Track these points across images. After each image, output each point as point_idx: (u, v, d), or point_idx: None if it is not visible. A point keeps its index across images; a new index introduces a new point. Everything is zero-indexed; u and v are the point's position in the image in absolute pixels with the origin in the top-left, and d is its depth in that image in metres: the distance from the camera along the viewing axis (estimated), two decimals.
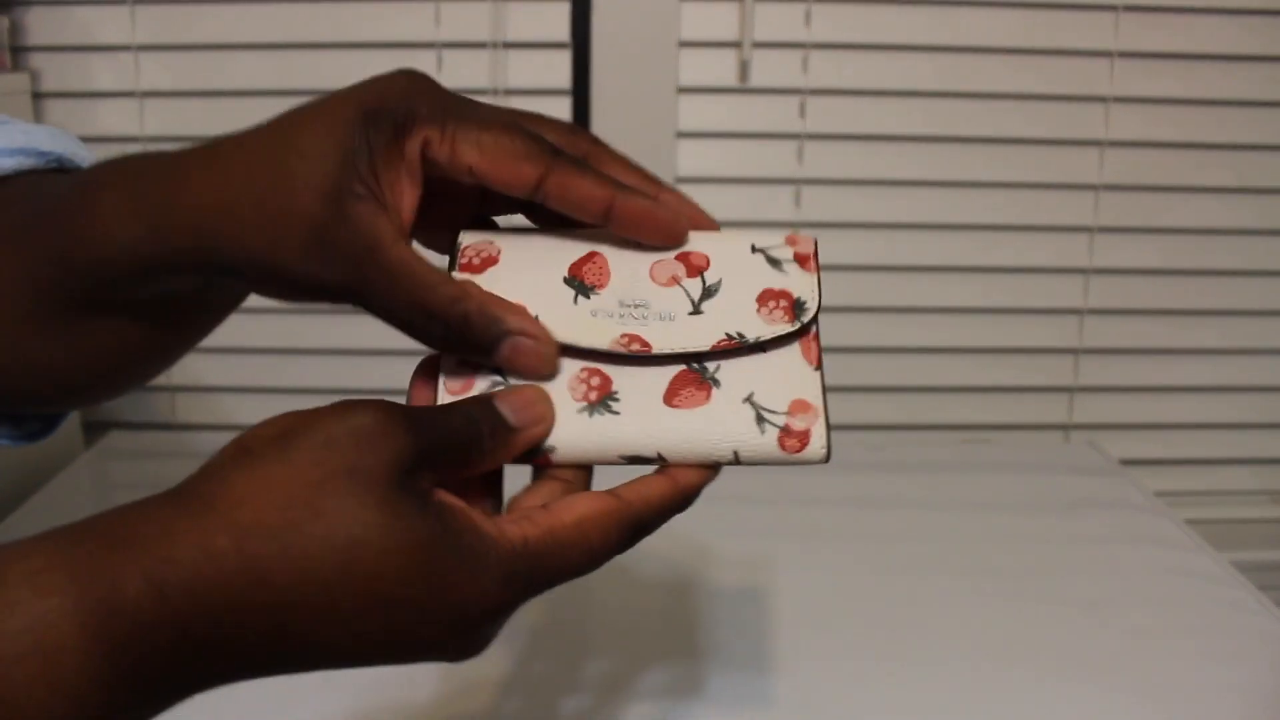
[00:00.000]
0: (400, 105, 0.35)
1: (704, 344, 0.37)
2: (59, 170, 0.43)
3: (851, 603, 0.73)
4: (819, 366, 0.38)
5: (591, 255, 0.39)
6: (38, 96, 0.97)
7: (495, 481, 0.37)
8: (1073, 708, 0.63)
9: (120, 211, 0.36)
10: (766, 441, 0.37)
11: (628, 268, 0.39)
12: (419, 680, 0.63)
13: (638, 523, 0.35)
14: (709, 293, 0.39)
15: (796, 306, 0.39)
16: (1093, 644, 0.69)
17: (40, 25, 0.97)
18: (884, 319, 1.06)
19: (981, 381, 1.09)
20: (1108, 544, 0.82)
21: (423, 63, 0.97)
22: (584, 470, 0.38)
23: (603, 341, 0.37)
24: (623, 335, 0.38)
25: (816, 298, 0.39)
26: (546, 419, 0.36)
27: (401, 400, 0.36)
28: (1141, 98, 1.01)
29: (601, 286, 0.39)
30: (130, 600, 0.28)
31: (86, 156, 0.45)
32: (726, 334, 0.38)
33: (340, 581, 0.30)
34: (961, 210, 1.04)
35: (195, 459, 0.33)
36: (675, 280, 0.39)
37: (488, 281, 0.38)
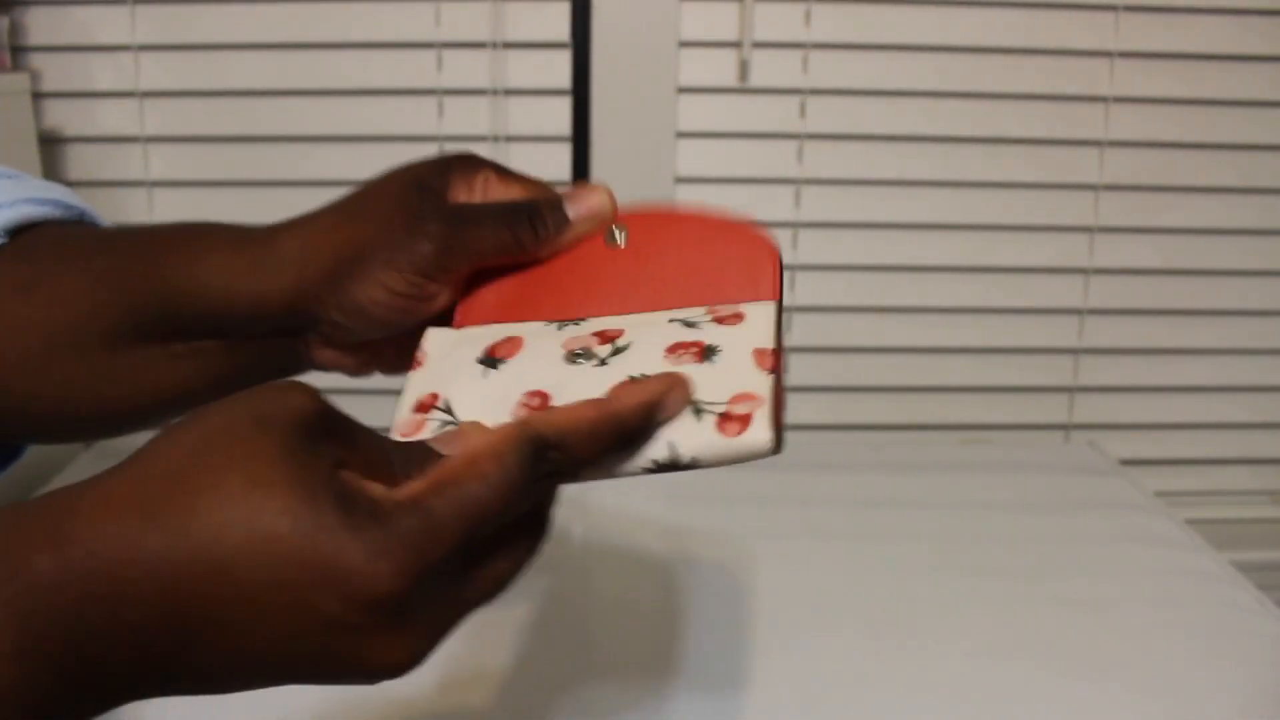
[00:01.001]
0: (468, 155, 0.44)
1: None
2: (80, 221, 0.47)
3: (851, 603, 0.73)
4: (774, 371, 0.36)
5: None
6: (38, 96, 0.98)
7: None
8: (1073, 707, 0.63)
9: (219, 255, 0.42)
10: (704, 428, 0.34)
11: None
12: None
13: (537, 439, 0.32)
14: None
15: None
16: (1093, 644, 0.69)
17: (40, 25, 0.97)
18: (884, 319, 1.06)
19: (981, 381, 1.09)
20: (1108, 544, 0.82)
21: (423, 63, 0.98)
22: None
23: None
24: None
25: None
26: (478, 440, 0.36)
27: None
28: (1141, 98, 1.01)
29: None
30: (32, 558, 0.28)
31: (101, 216, 0.48)
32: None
33: (228, 522, 0.29)
34: (961, 210, 1.04)
35: None
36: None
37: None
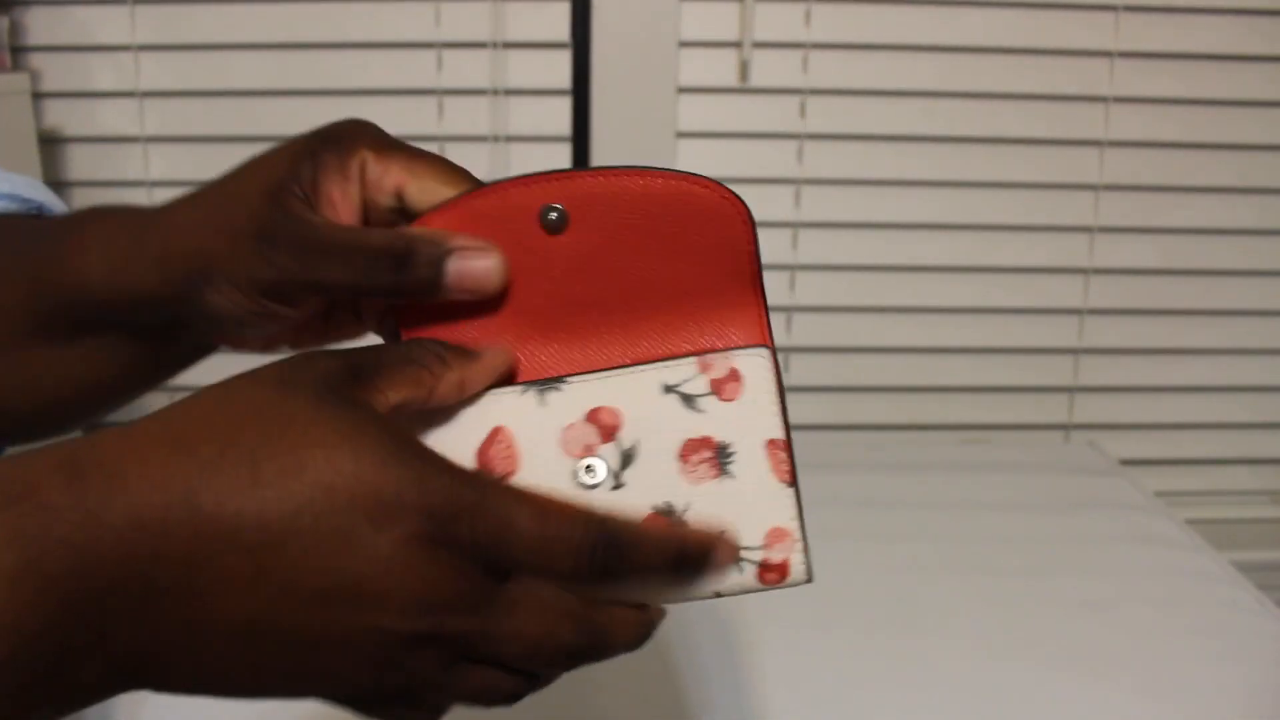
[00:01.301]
0: (346, 130, 0.38)
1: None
2: (37, 216, 0.46)
3: (851, 602, 0.73)
4: (793, 483, 0.36)
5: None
6: (38, 96, 0.98)
7: None
8: (1073, 707, 0.63)
9: (100, 244, 0.39)
10: (746, 579, 0.35)
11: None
12: None
13: (613, 535, 0.31)
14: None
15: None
16: (1093, 643, 0.69)
17: (40, 25, 0.97)
18: (884, 319, 1.06)
19: (981, 381, 1.09)
20: (1108, 544, 0.82)
21: (423, 63, 0.98)
22: None
23: None
24: None
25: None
26: (505, 354, 0.36)
27: None
28: (1141, 98, 1.01)
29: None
30: (43, 481, 0.28)
31: (63, 207, 0.47)
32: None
33: (264, 450, 0.29)
34: (961, 210, 1.04)
35: None
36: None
37: None
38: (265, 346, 0.43)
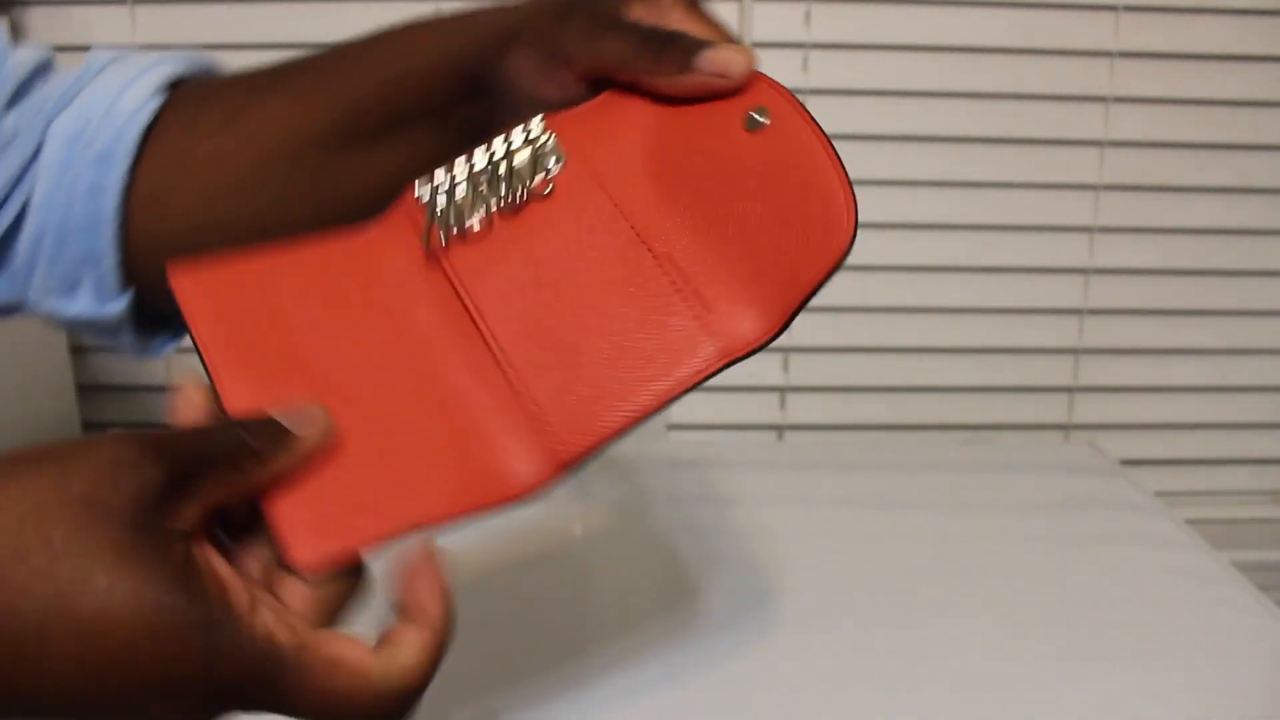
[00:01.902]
0: None
1: None
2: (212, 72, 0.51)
3: (851, 603, 0.73)
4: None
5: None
6: None
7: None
8: (1072, 706, 0.63)
9: (419, 39, 0.47)
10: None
11: None
12: None
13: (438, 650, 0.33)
14: None
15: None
16: (1092, 644, 0.69)
17: (40, 25, 0.97)
18: (884, 319, 1.06)
19: (981, 381, 1.09)
20: (1108, 544, 0.82)
21: None
22: None
23: None
24: None
25: None
26: (320, 419, 0.35)
27: None
28: (1141, 98, 1.01)
29: None
30: None
31: (222, 68, 0.52)
32: None
33: (54, 621, 0.27)
34: (961, 210, 1.04)
35: None
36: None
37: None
38: None
